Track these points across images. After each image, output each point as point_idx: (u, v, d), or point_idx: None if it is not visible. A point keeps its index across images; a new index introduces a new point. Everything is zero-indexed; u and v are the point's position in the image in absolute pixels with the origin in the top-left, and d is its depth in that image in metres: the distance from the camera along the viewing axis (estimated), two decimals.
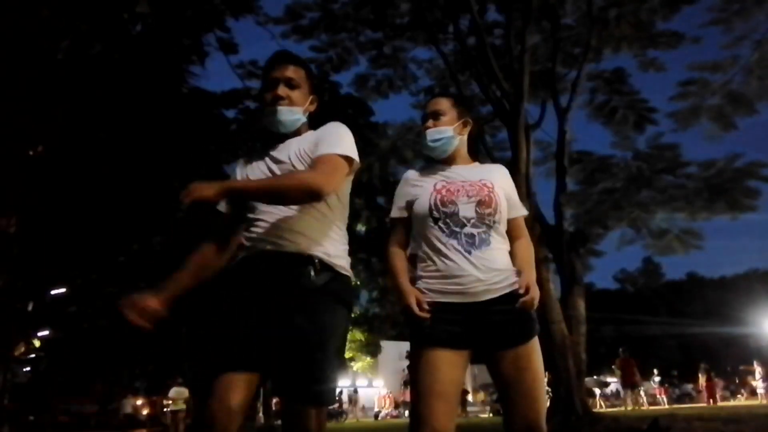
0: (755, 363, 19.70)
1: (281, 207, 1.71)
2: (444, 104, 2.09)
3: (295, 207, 1.71)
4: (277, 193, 1.67)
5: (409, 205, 2.02)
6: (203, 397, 1.63)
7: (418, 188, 2.02)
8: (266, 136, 1.92)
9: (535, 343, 1.84)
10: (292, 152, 1.79)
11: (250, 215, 1.76)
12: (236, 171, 1.92)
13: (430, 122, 2.07)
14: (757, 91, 11.18)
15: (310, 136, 1.85)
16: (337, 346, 1.64)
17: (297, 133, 1.87)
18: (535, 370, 1.81)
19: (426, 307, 1.82)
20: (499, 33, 12.46)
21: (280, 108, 1.81)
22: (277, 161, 1.80)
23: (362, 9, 12.43)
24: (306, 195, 1.65)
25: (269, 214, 1.72)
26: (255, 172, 1.83)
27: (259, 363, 1.61)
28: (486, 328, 1.82)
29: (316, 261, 1.67)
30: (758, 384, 19.33)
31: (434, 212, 1.93)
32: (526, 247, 2.04)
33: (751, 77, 11.11)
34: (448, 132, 2.06)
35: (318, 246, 1.71)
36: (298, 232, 1.69)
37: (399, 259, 2.01)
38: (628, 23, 11.30)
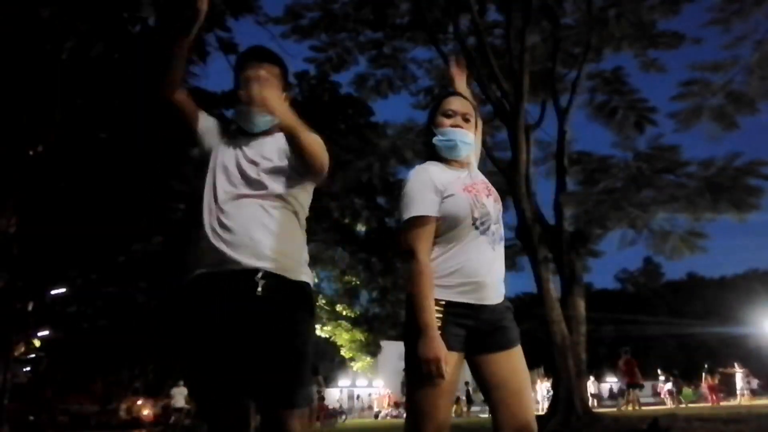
0: (736, 365, 19.75)
1: (243, 211, 1.71)
2: (471, 109, 2.04)
3: (262, 212, 1.72)
4: (305, 138, 1.74)
5: (441, 202, 1.90)
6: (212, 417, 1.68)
7: (448, 186, 1.91)
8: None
9: (520, 347, 1.91)
10: (267, 150, 1.81)
11: (216, 210, 1.73)
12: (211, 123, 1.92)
13: (460, 121, 2.00)
14: (758, 90, 11.17)
15: (282, 137, 1.84)
16: (308, 350, 1.71)
17: (269, 131, 1.87)
18: (525, 371, 1.88)
19: (449, 370, 1.75)
20: (499, 33, 12.43)
21: (255, 110, 1.79)
22: (251, 160, 1.79)
23: (362, 9, 12.41)
24: (321, 166, 1.77)
25: (230, 216, 1.70)
26: (226, 158, 1.81)
27: (242, 384, 1.66)
28: (484, 330, 1.86)
29: (263, 274, 1.67)
30: (739, 385, 19.41)
31: (474, 212, 1.88)
32: None
33: (752, 77, 11.10)
34: (473, 141, 2.05)
35: (271, 256, 1.69)
36: (249, 243, 1.68)
37: (431, 283, 1.81)
38: (628, 21, 11.29)
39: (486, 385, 1.87)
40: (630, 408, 15.74)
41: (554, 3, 11.22)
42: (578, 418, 8.50)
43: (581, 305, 9.92)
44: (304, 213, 1.85)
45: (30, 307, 17.02)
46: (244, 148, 1.82)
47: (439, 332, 1.78)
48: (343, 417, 25.43)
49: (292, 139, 1.75)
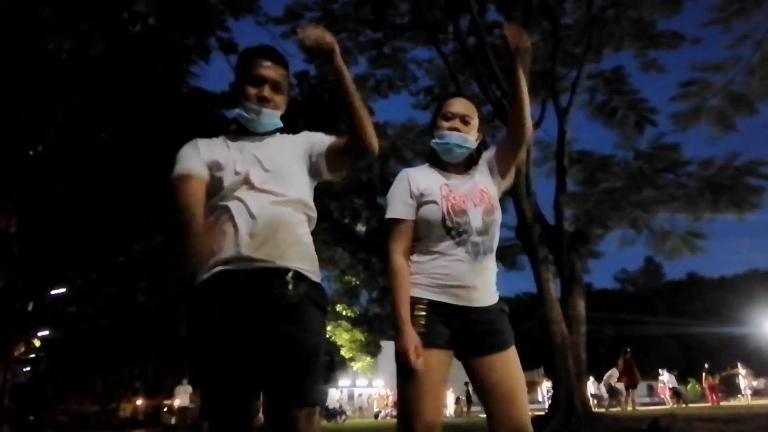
0: (739, 365, 19.74)
1: (260, 207, 1.68)
2: (472, 111, 2.02)
3: (287, 216, 1.70)
4: (362, 110, 1.70)
5: (418, 207, 1.94)
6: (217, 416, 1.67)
7: (426, 192, 1.94)
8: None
9: (514, 349, 1.93)
10: (277, 152, 1.78)
11: (228, 205, 1.71)
12: (198, 148, 1.84)
13: (458, 123, 1.99)
14: (758, 91, 11.16)
15: (290, 141, 1.84)
16: (323, 349, 1.71)
17: (272, 133, 1.85)
18: (520, 373, 1.90)
19: (421, 360, 1.77)
20: (499, 33, 12.42)
21: (265, 111, 1.78)
22: (263, 162, 1.76)
23: (362, 9, 12.40)
24: (372, 144, 1.71)
25: (257, 216, 1.68)
26: (239, 157, 1.77)
27: (255, 383, 1.65)
28: (475, 332, 1.87)
29: (293, 273, 1.67)
30: (742, 385, 19.42)
31: (447, 221, 1.89)
32: None
33: (753, 77, 11.09)
34: (472, 143, 2.01)
35: (296, 256, 1.70)
36: (276, 242, 1.67)
37: (405, 281, 1.88)
38: (628, 20, 11.28)
39: (481, 387, 1.89)
40: (630, 408, 15.76)
41: (554, 3, 11.22)
42: (578, 418, 8.50)
43: (581, 305, 9.91)
44: (314, 215, 1.84)
45: (30, 307, 17.03)
46: (253, 149, 1.79)
47: (423, 330, 1.82)
48: (343, 416, 25.46)
49: (349, 101, 1.69)
